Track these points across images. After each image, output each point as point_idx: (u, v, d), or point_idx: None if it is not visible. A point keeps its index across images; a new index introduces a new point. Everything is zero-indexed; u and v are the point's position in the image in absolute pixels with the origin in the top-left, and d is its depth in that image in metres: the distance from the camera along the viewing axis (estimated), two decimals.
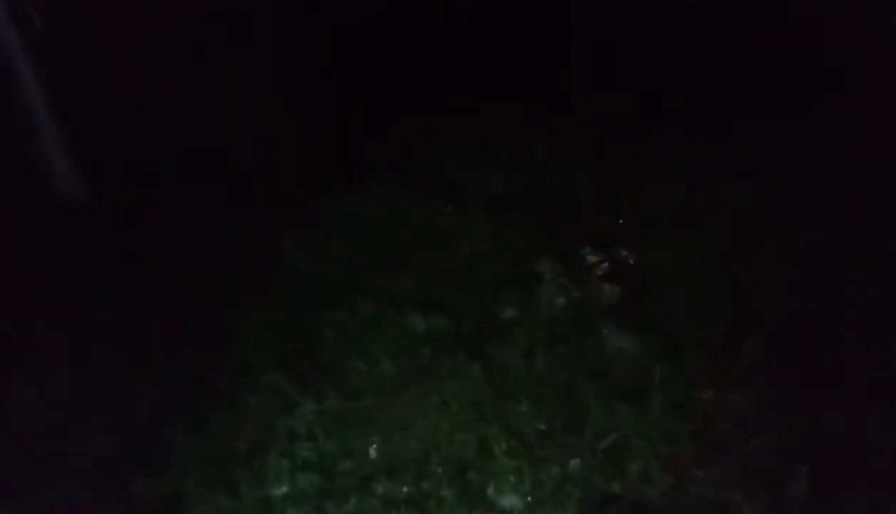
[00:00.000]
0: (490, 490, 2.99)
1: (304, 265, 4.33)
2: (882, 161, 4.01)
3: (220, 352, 3.85)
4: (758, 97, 4.67)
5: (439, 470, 3.05)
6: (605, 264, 3.98)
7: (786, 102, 4.53)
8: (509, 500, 2.95)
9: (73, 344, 3.92)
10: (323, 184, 4.79)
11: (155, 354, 3.81)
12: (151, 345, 3.87)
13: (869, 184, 4.04)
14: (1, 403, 3.60)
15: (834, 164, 4.20)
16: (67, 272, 4.31)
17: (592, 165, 4.76)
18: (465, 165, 4.94)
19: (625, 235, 4.25)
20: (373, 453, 3.17)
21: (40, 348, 3.89)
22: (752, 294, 3.81)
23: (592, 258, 4.03)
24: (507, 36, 5.28)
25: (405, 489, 3.02)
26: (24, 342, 3.86)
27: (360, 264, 4.24)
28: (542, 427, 3.21)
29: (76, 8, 4.96)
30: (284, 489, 3.02)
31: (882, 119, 4.09)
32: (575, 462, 3.07)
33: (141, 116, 5.08)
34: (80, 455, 3.41)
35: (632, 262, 4.02)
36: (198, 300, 4.13)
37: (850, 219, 3.97)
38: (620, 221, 4.30)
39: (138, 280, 4.22)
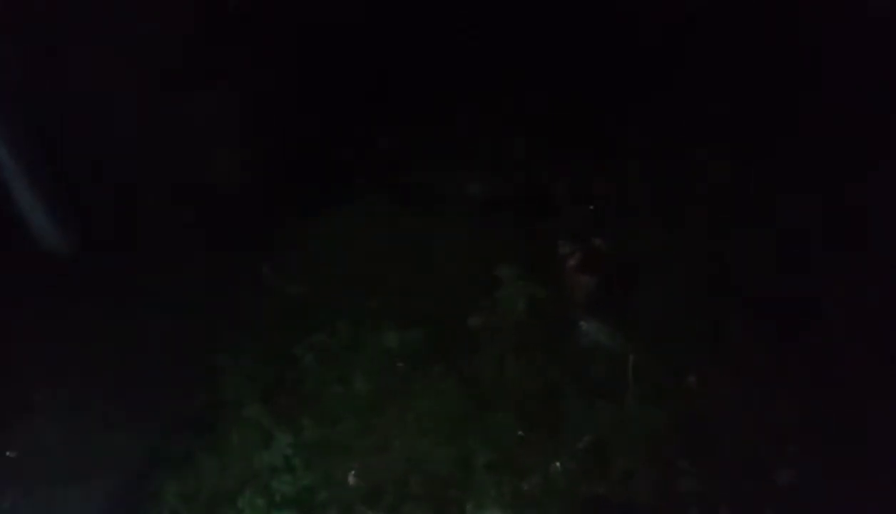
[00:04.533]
0: (470, 506, 2.95)
1: (283, 291, 4.33)
2: (863, 138, 3.84)
3: (204, 388, 3.87)
4: (734, 73, 4.51)
5: (419, 491, 3.02)
6: (579, 255, 3.89)
7: (762, 81, 4.38)
8: None
9: (57, 393, 3.95)
10: (302, 206, 4.79)
11: (137, 397, 3.84)
12: (133, 388, 3.89)
13: (850, 160, 3.89)
14: None
15: (816, 140, 4.05)
16: (48, 315, 4.33)
17: (568, 156, 4.67)
18: (442, 171, 4.89)
19: (601, 224, 4.16)
20: (352, 479, 3.16)
21: (25, 396, 3.93)
22: (733, 274, 3.69)
23: (565, 250, 3.95)
24: (477, 36, 5.19)
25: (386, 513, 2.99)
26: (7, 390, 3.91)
27: (339, 284, 4.23)
28: (522, 434, 3.15)
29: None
30: None
31: (859, 96, 3.93)
32: (556, 467, 3.01)
33: (114, 152, 5.11)
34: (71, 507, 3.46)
35: (606, 250, 3.92)
36: (179, 337, 4.15)
37: (831, 194, 3.83)
38: (591, 208, 4.20)
39: (116, 320, 4.24)
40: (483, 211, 4.54)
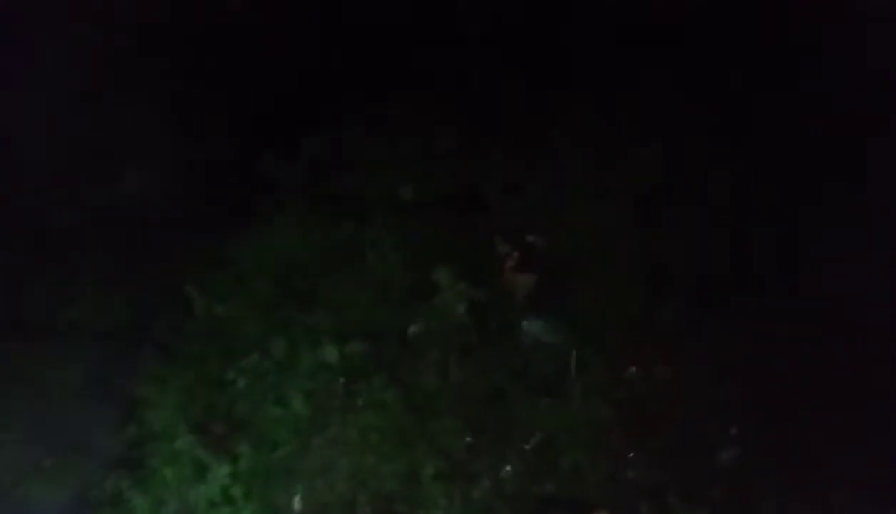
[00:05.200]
0: None
1: (210, 312, 4.13)
2: (788, 117, 3.96)
3: (131, 423, 3.64)
4: (658, 62, 4.57)
5: (368, 510, 2.91)
6: (515, 254, 3.87)
7: (694, 73, 4.44)
8: None
9: None
10: (225, 222, 4.59)
11: (59, 440, 3.57)
12: (54, 430, 3.62)
13: (773, 134, 4.01)
14: None
15: (735, 118, 4.16)
16: None
17: (499, 152, 4.64)
18: (371, 175, 4.77)
19: (534, 220, 4.15)
20: (297, 504, 3.02)
21: None
22: (665, 260, 3.75)
23: (502, 250, 3.92)
24: (398, 34, 5.10)
25: None
26: None
27: (269, 301, 4.06)
28: (469, 440, 3.09)
29: None
30: None
31: (788, 78, 4.05)
32: (506, 471, 2.97)
33: (23, 174, 4.79)
34: None
35: (541, 246, 3.91)
36: (100, 369, 3.90)
37: (757, 170, 3.94)
38: (526, 207, 4.18)
39: (28, 357, 3.96)
40: (415, 214, 4.47)
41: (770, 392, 3.09)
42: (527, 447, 3.00)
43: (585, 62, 4.65)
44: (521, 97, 4.73)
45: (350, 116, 4.85)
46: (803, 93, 3.98)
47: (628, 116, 4.45)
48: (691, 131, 4.23)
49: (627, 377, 3.29)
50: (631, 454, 2.99)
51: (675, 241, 3.84)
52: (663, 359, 3.35)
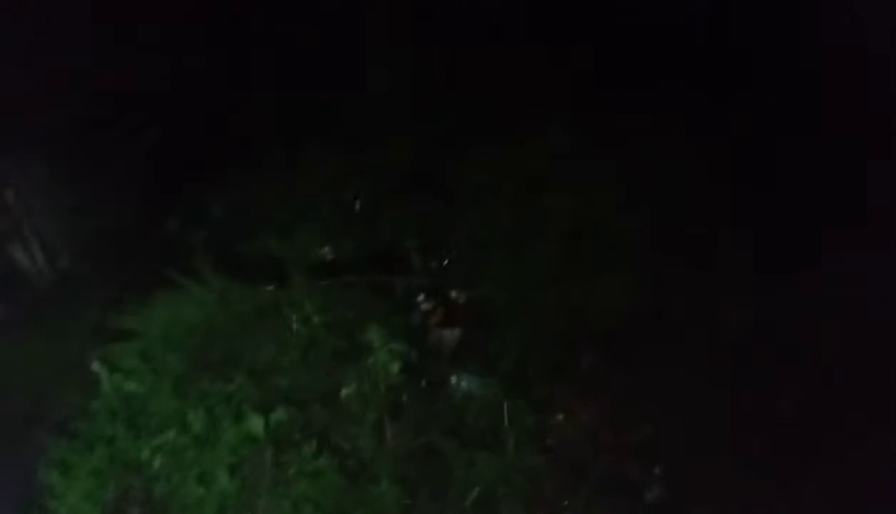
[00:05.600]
0: None
1: (120, 388, 3.87)
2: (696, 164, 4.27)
3: None
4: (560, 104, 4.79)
5: None
6: (440, 311, 3.93)
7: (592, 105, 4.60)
8: None
9: None
10: (134, 289, 4.36)
11: None
12: None
13: (682, 178, 4.32)
14: None
15: (640, 159, 4.45)
16: None
17: (412, 207, 4.72)
18: (287, 235, 4.70)
19: (455, 274, 4.24)
20: None
21: None
22: (583, 306, 3.91)
23: (426, 306, 3.97)
24: (305, 94, 5.12)
25: None
26: None
27: (186, 374, 3.86)
28: (408, 501, 3.05)
29: None
30: None
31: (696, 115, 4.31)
32: None
33: None
34: None
35: (462, 301, 4.00)
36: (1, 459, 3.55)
37: (668, 212, 4.21)
38: (446, 263, 4.27)
39: None
40: (336, 274, 4.43)
41: (688, 429, 3.27)
42: (465, 502, 3.00)
43: (495, 112, 4.86)
44: (433, 149, 4.86)
45: (260, 177, 4.81)
46: (706, 133, 4.25)
47: (538, 164, 4.69)
48: (601, 178, 4.49)
49: (556, 424, 3.38)
50: (566, 502, 3.06)
51: (591, 286, 4.02)
52: (586, 404, 3.48)
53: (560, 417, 3.42)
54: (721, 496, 3.02)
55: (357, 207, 4.84)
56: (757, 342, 3.58)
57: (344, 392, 3.42)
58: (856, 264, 3.72)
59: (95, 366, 3.95)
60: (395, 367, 3.28)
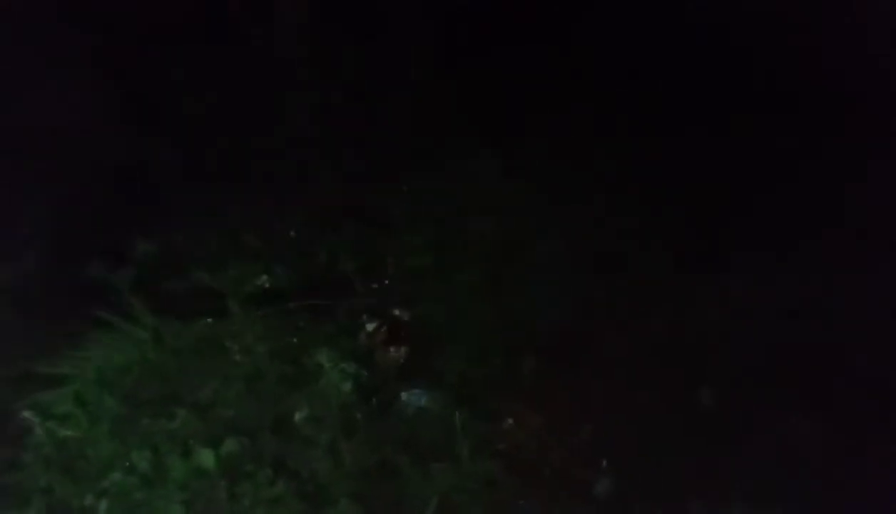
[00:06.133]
0: None
1: (55, 435, 3.70)
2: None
3: None
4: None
5: None
6: (384, 330, 4.01)
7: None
8: None
9: None
10: (61, 333, 4.18)
11: None
12: None
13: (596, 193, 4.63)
14: None
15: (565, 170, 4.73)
16: None
17: (345, 235, 4.80)
18: (219, 267, 4.64)
19: (395, 294, 4.34)
20: None
21: None
22: (518, 316, 4.11)
23: (370, 327, 4.04)
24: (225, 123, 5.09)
25: None
26: None
27: (127, 414, 3.74)
28: None
29: None
30: None
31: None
32: None
33: None
34: None
35: (406, 318, 4.10)
36: None
37: (581, 229, 4.51)
38: (386, 282, 4.37)
39: None
40: (272, 302, 4.42)
41: (624, 426, 3.50)
42: (425, 513, 3.08)
43: (421, 142, 5.01)
44: (361, 182, 4.96)
45: (183, 209, 4.75)
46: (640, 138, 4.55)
47: (464, 189, 4.89)
48: (522, 200, 4.74)
49: (506, 430, 3.53)
50: (521, 501, 3.20)
51: (524, 297, 4.24)
52: (531, 408, 3.65)
53: (509, 422, 3.57)
54: (660, 483, 3.26)
55: (291, 235, 4.85)
56: (676, 343, 3.91)
57: (297, 417, 3.43)
58: (766, 264, 4.15)
59: (26, 414, 3.77)
60: (347, 386, 3.33)
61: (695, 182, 4.50)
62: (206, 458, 3.30)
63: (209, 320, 4.22)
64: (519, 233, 4.56)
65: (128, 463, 3.37)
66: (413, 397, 3.59)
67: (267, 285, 4.56)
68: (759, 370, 3.78)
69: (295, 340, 3.95)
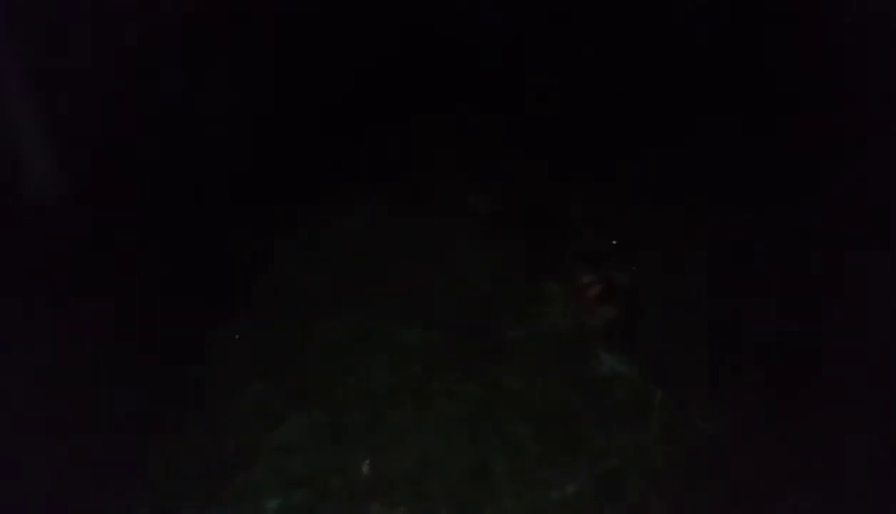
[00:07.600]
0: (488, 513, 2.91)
1: (287, 273, 4.17)
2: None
3: (199, 363, 3.64)
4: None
5: (433, 492, 2.94)
6: (600, 287, 3.96)
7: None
8: None
9: (46, 343, 3.63)
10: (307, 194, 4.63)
11: (128, 361, 3.56)
12: (125, 351, 3.62)
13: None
14: None
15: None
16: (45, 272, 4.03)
17: (583, 184, 4.77)
18: (446, 180, 4.86)
19: (616, 256, 4.24)
20: (365, 469, 3.04)
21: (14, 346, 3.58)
22: (734, 319, 3.83)
23: (587, 279, 4.01)
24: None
25: (400, 510, 2.90)
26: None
27: (343, 278, 4.11)
28: (540, 449, 3.15)
29: None
30: (275, 503, 2.86)
31: None
32: (574, 487, 3.02)
33: None
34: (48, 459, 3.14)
35: (626, 285, 4.01)
36: (175, 305, 3.90)
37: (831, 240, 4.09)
38: (614, 242, 4.29)
39: (112, 281, 3.98)
40: (491, 226, 4.54)
41: (849, 472, 3.16)
42: (598, 470, 3.06)
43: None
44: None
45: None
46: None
47: (711, 179, 4.61)
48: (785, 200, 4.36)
49: (695, 428, 3.35)
50: (692, 499, 3.06)
51: (741, 307, 3.92)
52: (723, 415, 3.42)
53: (699, 421, 3.38)
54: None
55: (520, 170, 4.92)
56: None
57: (512, 334, 3.52)
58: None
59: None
60: (569, 324, 3.32)
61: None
62: (412, 337, 3.54)
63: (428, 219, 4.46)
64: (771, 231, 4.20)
65: (340, 319, 3.67)
66: (611, 360, 3.53)
67: (482, 207, 4.66)
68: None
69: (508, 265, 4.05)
